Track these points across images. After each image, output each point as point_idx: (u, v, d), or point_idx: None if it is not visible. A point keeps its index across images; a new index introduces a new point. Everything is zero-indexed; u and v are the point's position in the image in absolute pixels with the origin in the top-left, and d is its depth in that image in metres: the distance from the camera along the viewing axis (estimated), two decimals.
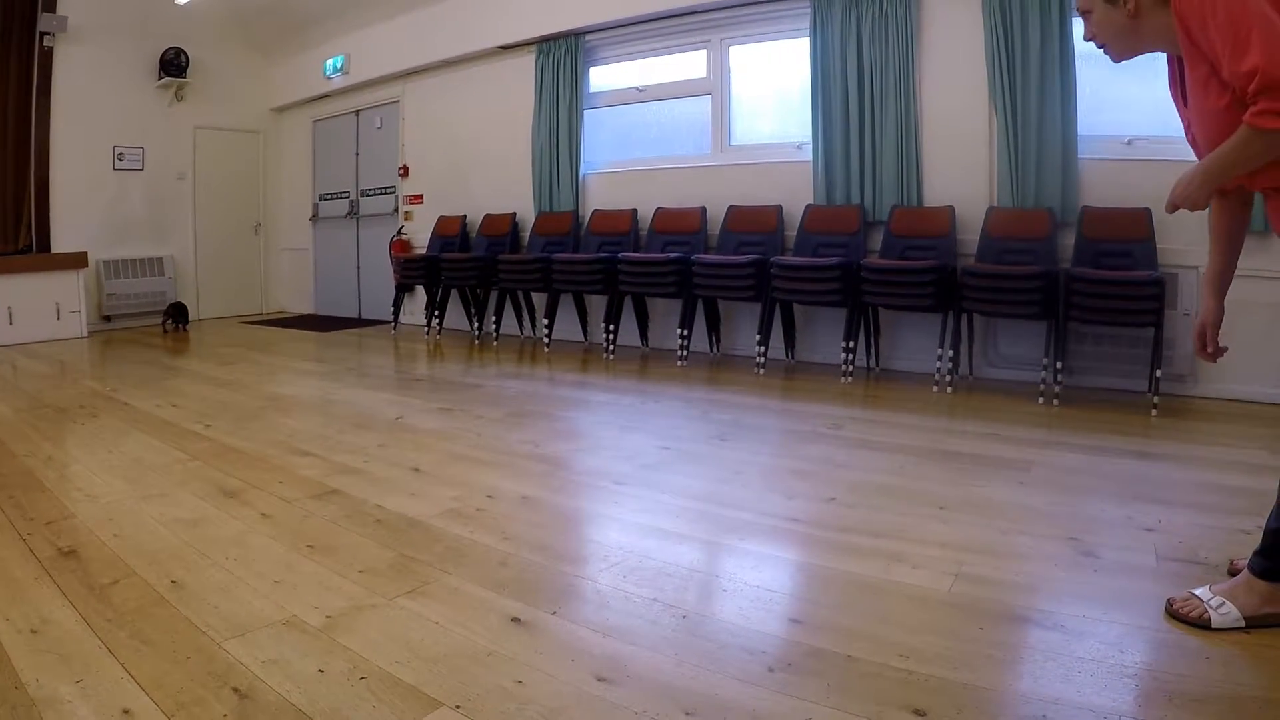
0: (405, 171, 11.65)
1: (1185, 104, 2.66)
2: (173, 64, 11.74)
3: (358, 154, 12.47)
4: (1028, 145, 6.77)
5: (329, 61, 12.16)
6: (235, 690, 2.21)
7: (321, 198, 13.09)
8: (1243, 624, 2.60)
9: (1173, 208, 2.63)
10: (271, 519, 3.62)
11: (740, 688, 2.25)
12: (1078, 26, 6.37)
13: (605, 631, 2.58)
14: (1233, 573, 2.87)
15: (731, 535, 3.47)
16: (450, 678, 2.30)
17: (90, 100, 11.20)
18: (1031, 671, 2.38)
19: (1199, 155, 2.60)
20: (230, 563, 3.12)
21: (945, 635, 2.58)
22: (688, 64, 8.96)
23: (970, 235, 7.01)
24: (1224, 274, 2.89)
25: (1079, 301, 5.90)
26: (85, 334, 10.70)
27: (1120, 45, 2.67)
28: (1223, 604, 2.62)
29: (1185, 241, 5.96)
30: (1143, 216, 6.24)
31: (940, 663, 2.40)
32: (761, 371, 7.30)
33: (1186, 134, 2.71)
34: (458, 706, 2.15)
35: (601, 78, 9.64)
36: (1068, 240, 6.63)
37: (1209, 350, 2.89)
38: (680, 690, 2.24)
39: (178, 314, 11.25)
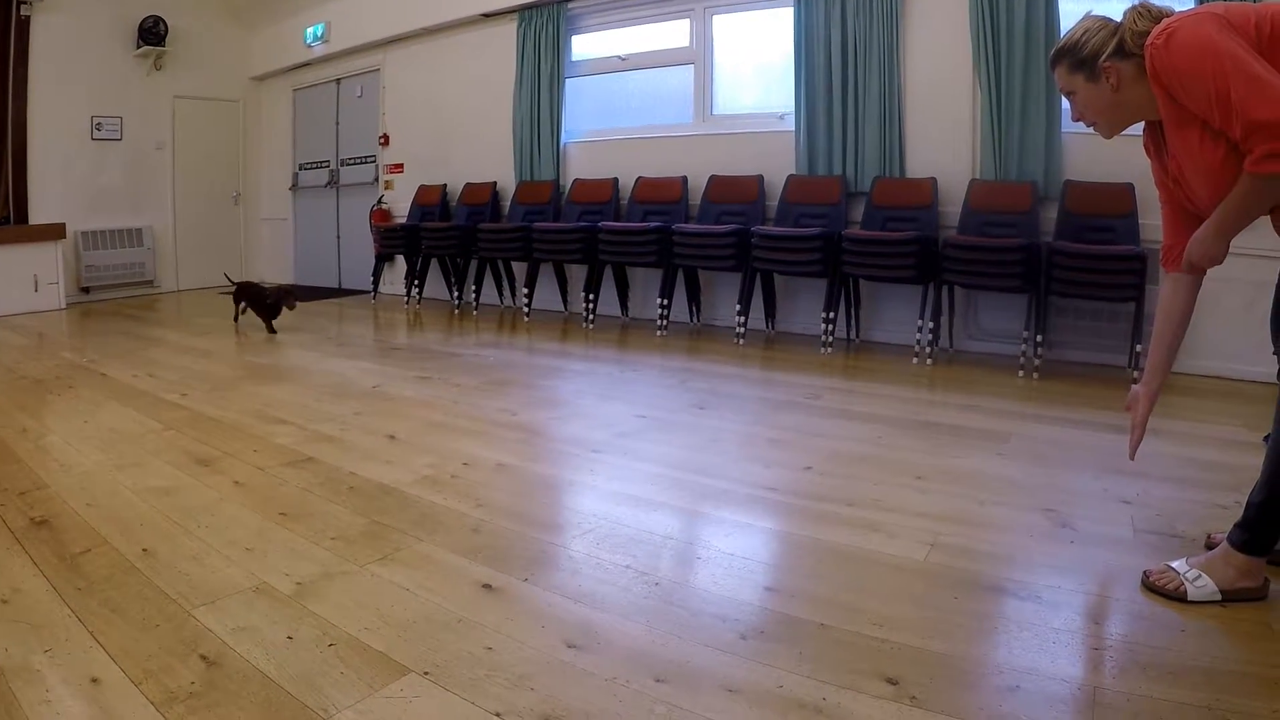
0: (386, 140, 11.57)
1: (1162, 166, 2.74)
2: (151, 32, 11.58)
3: (338, 123, 12.37)
4: (1011, 118, 6.75)
5: (309, 30, 12.05)
6: (203, 658, 2.19)
7: (301, 167, 13.00)
8: (1219, 597, 2.59)
9: (1191, 268, 2.72)
10: (245, 487, 3.60)
11: (712, 655, 2.24)
12: (1064, 1, 6.40)
13: (577, 598, 2.57)
14: (1210, 546, 2.87)
15: (706, 503, 3.47)
16: (419, 644, 2.28)
17: (68, 69, 11.07)
18: (1005, 642, 2.37)
19: (1200, 208, 2.66)
20: (202, 531, 3.10)
21: (919, 605, 2.57)
22: (670, 33, 8.91)
23: (952, 207, 7.00)
24: (1173, 355, 2.96)
25: (1060, 275, 5.90)
26: (63, 306, 10.58)
27: (1108, 120, 2.76)
28: (1199, 577, 2.62)
29: None
30: (1125, 191, 6.24)
31: (914, 632, 2.39)
32: (741, 341, 7.29)
33: (1157, 179, 2.82)
34: (426, 673, 2.13)
35: (583, 46, 9.58)
36: (1050, 214, 6.62)
37: (1135, 433, 2.96)
38: (651, 657, 2.22)
39: (265, 302, 8.44)
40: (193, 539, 3.02)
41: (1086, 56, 2.67)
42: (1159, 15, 2.54)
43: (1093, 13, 2.74)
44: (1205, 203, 2.61)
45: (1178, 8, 2.56)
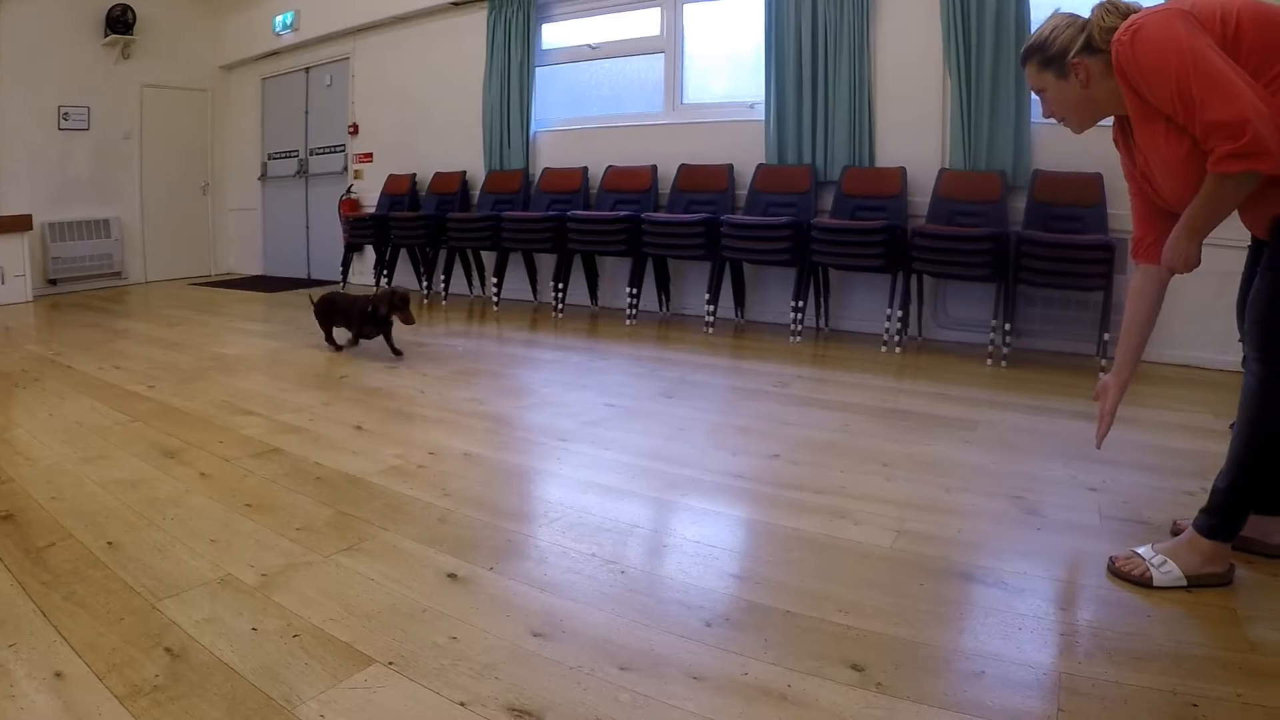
0: (355, 129, 11.51)
1: (1131, 159, 2.77)
2: (119, 20, 11.45)
3: (307, 112, 12.31)
4: (981, 108, 6.77)
5: (278, 18, 11.96)
6: (168, 650, 2.18)
7: (270, 157, 12.92)
8: (1184, 583, 2.61)
9: (1170, 272, 2.75)
10: (211, 478, 3.57)
11: (677, 642, 2.24)
12: None
13: (542, 587, 2.56)
14: (1176, 533, 2.89)
15: (674, 491, 3.47)
16: (384, 634, 2.27)
17: (34, 58, 10.92)
18: (971, 627, 2.38)
19: (1166, 203, 2.69)
20: (167, 523, 3.07)
21: (886, 591, 2.57)
22: (641, 21, 8.91)
23: (921, 197, 7.03)
24: (1142, 345, 2.99)
25: (1029, 264, 5.92)
26: (31, 298, 10.44)
27: (1078, 116, 2.78)
28: (1165, 562, 2.64)
29: None
30: (1094, 181, 6.27)
31: (880, 618, 2.40)
32: (710, 330, 7.31)
33: (1126, 172, 2.84)
34: (390, 663, 2.13)
35: (554, 35, 9.57)
36: (1019, 203, 6.66)
37: (1103, 422, 3.01)
38: (616, 645, 2.22)
39: (368, 315, 6.42)
40: (158, 531, 3.00)
41: (1055, 54, 2.69)
42: (1126, 11, 2.55)
43: (1061, 10, 2.76)
44: (1171, 197, 2.64)
45: (1145, 3, 2.57)
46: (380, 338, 6.42)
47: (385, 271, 10.08)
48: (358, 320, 6.41)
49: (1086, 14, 2.67)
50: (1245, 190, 2.39)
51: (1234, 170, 2.30)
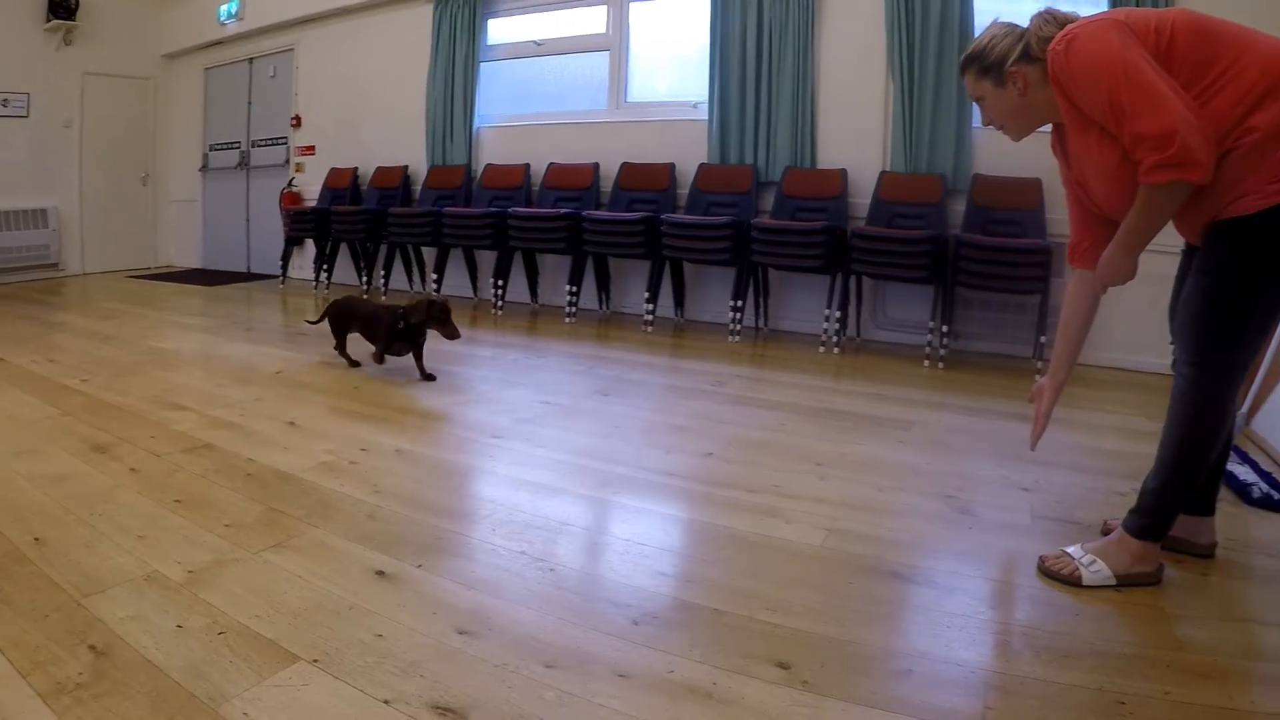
0: (298, 122, 11.43)
1: (1068, 166, 2.81)
2: (61, 6, 11.25)
3: (250, 103, 12.17)
4: (923, 111, 6.83)
5: (223, 7, 11.83)
6: (92, 648, 2.15)
7: (212, 148, 12.76)
8: (1114, 582, 2.65)
9: (1104, 288, 2.80)
10: (141, 474, 3.52)
11: (603, 640, 2.24)
12: None
13: (470, 585, 2.55)
14: (1106, 532, 2.93)
15: (605, 489, 3.47)
16: (310, 631, 2.25)
17: None
18: (899, 626, 2.40)
19: (1102, 210, 2.75)
20: (95, 518, 3.03)
21: (814, 590, 2.58)
22: (587, 19, 8.92)
23: (862, 199, 7.08)
24: (1078, 349, 3.04)
25: (967, 267, 5.98)
26: None
27: (1017, 123, 2.83)
28: (1094, 562, 2.68)
29: None
30: (1033, 186, 6.34)
31: (808, 617, 2.40)
32: (650, 329, 7.33)
33: (1063, 178, 2.88)
34: (315, 660, 2.11)
35: (500, 31, 9.56)
36: (958, 207, 6.73)
37: (1038, 424, 3.05)
38: (542, 643, 2.21)
39: (395, 327, 5.48)
40: (86, 527, 2.96)
41: (993, 62, 2.73)
42: (1064, 21, 2.59)
43: (1000, 19, 2.79)
44: (1105, 204, 2.69)
45: (1083, 13, 2.60)
46: (404, 354, 5.57)
47: (326, 266, 10.02)
48: (385, 333, 5.47)
49: (1025, 23, 2.70)
50: (1177, 201, 2.42)
51: (1162, 180, 2.34)
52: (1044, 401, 3.02)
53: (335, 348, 5.88)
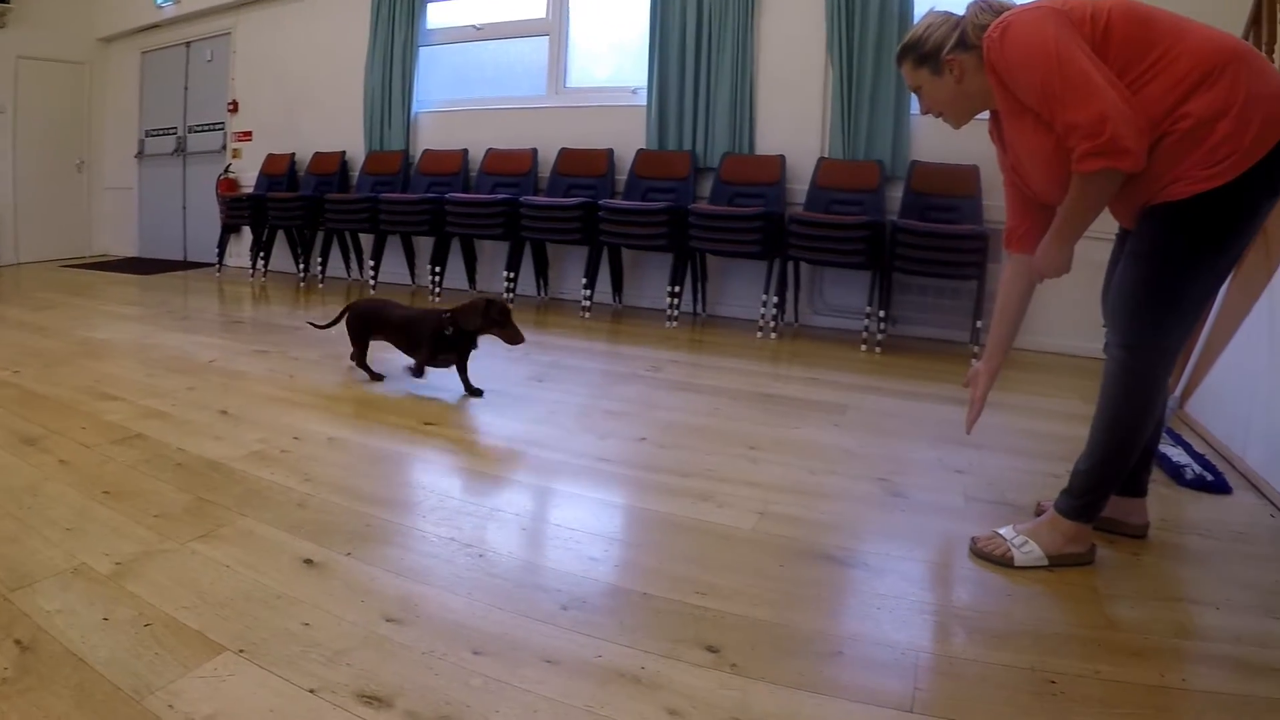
0: (235, 107, 11.30)
1: (1005, 152, 2.83)
2: None
3: (187, 88, 12.00)
4: (861, 98, 6.89)
5: None
6: (17, 643, 2.11)
7: (148, 134, 12.57)
8: (1045, 562, 2.68)
9: (1042, 279, 2.83)
10: (69, 465, 3.46)
11: (532, 626, 2.23)
12: None
13: (399, 572, 2.53)
14: (1039, 514, 2.94)
15: (538, 475, 3.47)
16: (237, 621, 2.23)
17: None
18: (830, 608, 2.41)
19: (1038, 196, 2.78)
20: (22, 511, 2.98)
21: (745, 573, 2.59)
22: (527, 3, 8.90)
23: (800, 185, 7.12)
24: (1014, 333, 3.08)
25: (904, 253, 6.03)
26: None
27: (955, 110, 2.84)
28: (1026, 542, 2.70)
29: None
30: (971, 173, 6.41)
31: (738, 600, 2.41)
32: (587, 315, 7.33)
33: (1000, 164, 2.90)
34: (241, 650, 2.09)
35: (439, 15, 9.51)
36: (896, 193, 6.78)
37: (974, 408, 3.10)
38: (470, 629, 2.20)
39: (442, 335, 4.74)
40: (12, 520, 2.91)
41: (929, 51, 2.75)
42: (1000, 8, 2.62)
43: (935, 9, 2.81)
44: (1040, 190, 2.72)
45: (1019, 1, 2.62)
46: (450, 365, 4.78)
47: (262, 254, 9.93)
48: (429, 341, 4.73)
49: (962, 11, 2.72)
50: (1109, 190, 2.46)
51: (1092, 169, 2.37)
52: (979, 386, 3.05)
53: (353, 357, 5.08)
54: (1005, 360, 3.05)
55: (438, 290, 8.37)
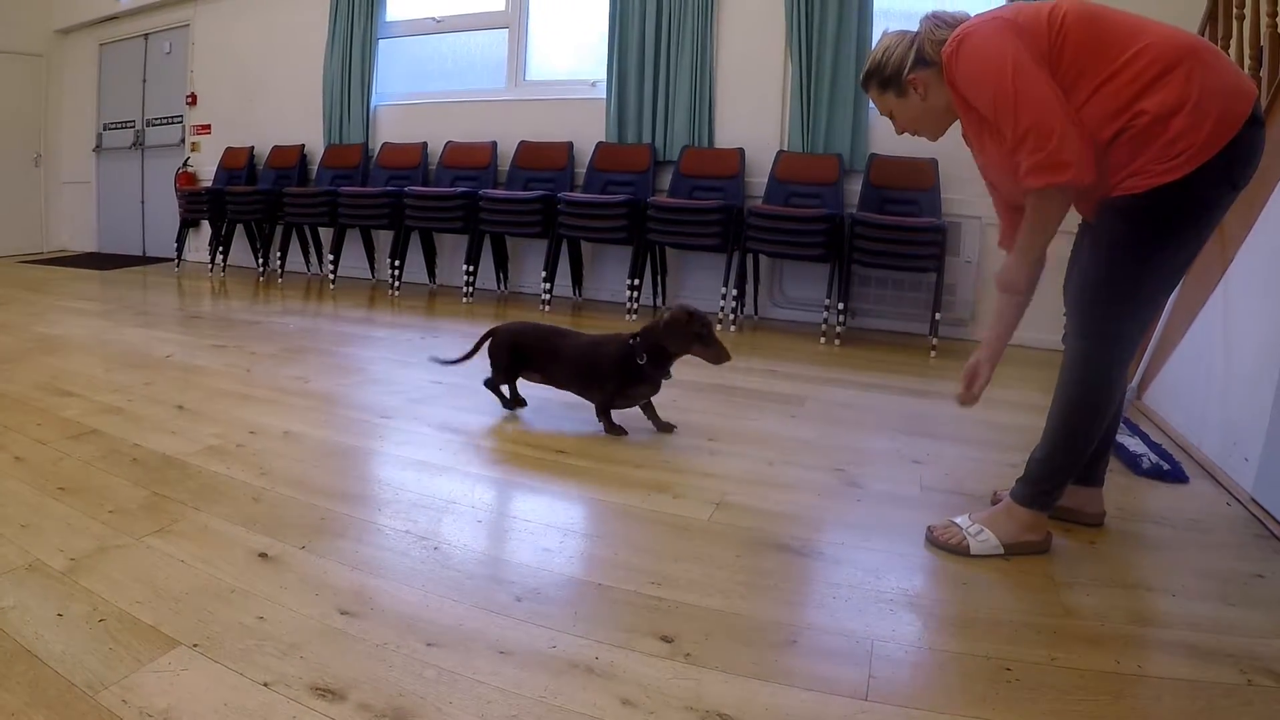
0: (193, 100, 11.22)
1: (975, 154, 2.85)
2: None
3: (145, 81, 11.89)
4: (820, 92, 6.91)
5: None
6: None
7: (106, 127, 12.46)
8: (1001, 551, 2.70)
9: (1002, 290, 2.90)
10: (24, 462, 3.44)
11: (486, 617, 2.23)
12: None
13: (353, 565, 2.53)
14: (996, 503, 2.97)
15: (494, 467, 3.47)
16: (190, 616, 2.22)
17: None
18: (785, 597, 2.42)
19: (1001, 193, 2.88)
20: None
21: (700, 563, 2.60)
22: None
23: (759, 178, 7.15)
24: (1010, 335, 3.11)
25: (863, 245, 6.06)
26: None
27: (929, 127, 2.87)
28: (981, 531, 2.72)
29: (969, 193, 6.14)
30: (929, 167, 6.45)
31: (692, 590, 2.42)
32: (547, 309, 7.33)
33: (977, 160, 2.88)
34: (195, 645, 2.08)
35: (398, 8, 9.50)
36: (855, 187, 6.81)
37: (974, 390, 3.08)
38: (424, 621, 2.20)
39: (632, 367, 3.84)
40: None
41: (891, 74, 2.78)
42: (954, 22, 2.65)
43: (889, 29, 2.84)
44: (1008, 192, 2.81)
45: (972, 13, 2.65)
46: (643, 399, 3.99)
47: (221, 248, 9.87)
48: (614, 374, 3.85)
49: (915, 27, 2.74)
50: (1060, 208, 2.54)
51: (1038, 185, 2.44)
52: (980, 379, 3.05)
53: (490, 383, 4.27)
54: (1004, 351, 3.09)
55: (397, 285, 8.34)
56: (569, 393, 4.12)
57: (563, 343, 4.02)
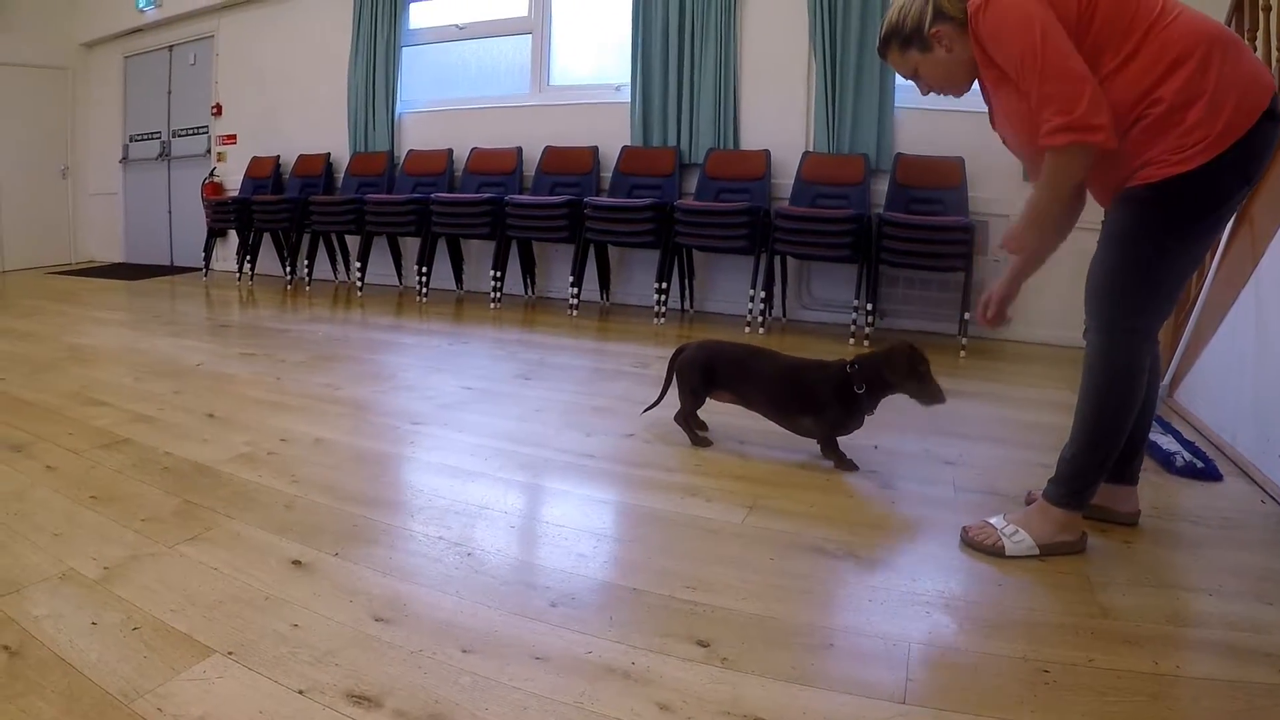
0: (218, 110, 11.27)
1: (989, 104, 2.82)
2: None
3: (170, 92, 11.96)
4: (845, 92, 6.89)
5: None
6: (6, 648, 2.10)
7: (132, 139, 12.54)
8: (1036, 551, 2.68)
9: (1004, 249, 2.84)
10: (57, 471, 3.45)
11: (521, 623, 2.22)
12: None
13: (387, 572, 2.52)
14: (1029, 503, 2.95)
15: (525, 472, 3.46)
16: (225, 624, 2.21)
17: None
18: (821, 601, 2.40)
19: (1011, 147, 2.82)
20: (10, 518, 2.96)
21: (734, 567, 2.59)
22: (509, 2, 8.90)
23: (785, 179, 7.13)
24: (1044, 256, 3.05)
25: (890, 246, 6.04)
26: None
27: (954, 82, 2.81)
28: (1016, 532, 2.70)
29: (996, 190, 6.13)
30: (955, 165, 6.41)
31: (728, 594, 2.40)
32: (575, 313, 7.33)
33: (991, 121, 2.87)
34: (230, 653, 2.08)
35: (421, 15, 9.52)
36: (881, 186, 6.78)
37: (990, 315, 3.09)
38: (459, 628, 2.19)
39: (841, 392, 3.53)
40: (0, 527, 2.91)
41: (911, 31, 2.74)
42: None
43: None
44: (1015, 147, 2.79)
45: None
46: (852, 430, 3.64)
47: (249, 257, 9.90)
48: (834, 402, 3.55)
49: None
50: (1080, 168, 2.48)
51: (1062, 143, 2.39)
52: (996, 311, 3.08)
53: (678, 417, 3.92)
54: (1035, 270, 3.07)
55: (424, 291, 8.36)
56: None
57: (766, 365, 3.74)
